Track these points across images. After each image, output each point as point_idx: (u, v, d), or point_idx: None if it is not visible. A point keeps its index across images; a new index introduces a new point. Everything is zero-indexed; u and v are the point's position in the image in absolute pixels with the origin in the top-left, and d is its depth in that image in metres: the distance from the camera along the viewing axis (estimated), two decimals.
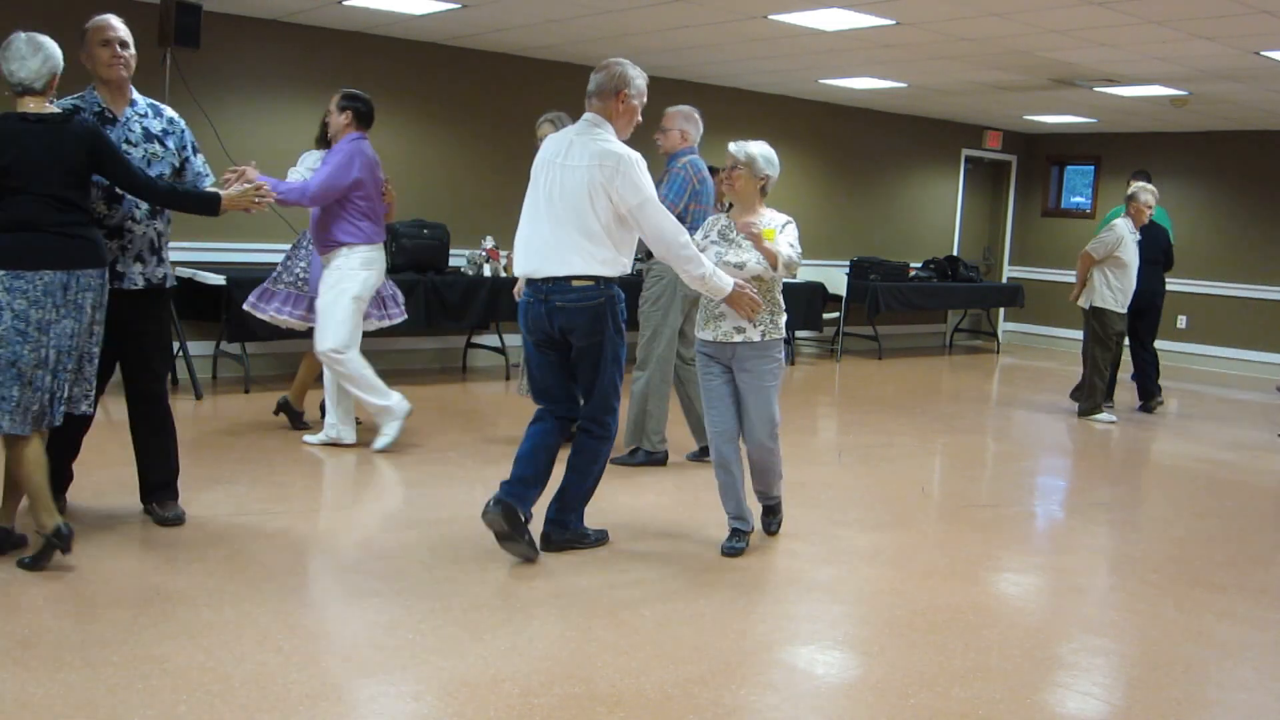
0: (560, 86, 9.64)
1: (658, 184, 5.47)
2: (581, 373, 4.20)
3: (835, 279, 10.98)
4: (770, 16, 7.14)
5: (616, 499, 4.98)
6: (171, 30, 6.46)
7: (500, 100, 9.14)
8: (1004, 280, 13.53)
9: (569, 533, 4.28)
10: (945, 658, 3.44)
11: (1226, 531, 5.31)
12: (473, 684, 3.06)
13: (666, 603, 3.82)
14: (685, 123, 5.75)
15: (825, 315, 10.59)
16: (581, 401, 4.26)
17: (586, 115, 4.19)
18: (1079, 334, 13.09)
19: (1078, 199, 13.53)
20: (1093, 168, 13.20)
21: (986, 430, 7.87)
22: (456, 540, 4.35)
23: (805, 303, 10.24)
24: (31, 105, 3.74)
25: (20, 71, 3.72)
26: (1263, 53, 7.41)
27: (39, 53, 3.73)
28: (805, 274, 11.09)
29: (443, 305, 8.05)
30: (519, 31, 8.15)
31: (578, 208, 4.04)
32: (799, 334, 10.94)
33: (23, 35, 3.76)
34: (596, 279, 4.06)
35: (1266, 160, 11.57)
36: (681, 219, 5.48)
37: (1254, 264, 11.72)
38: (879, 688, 3.22)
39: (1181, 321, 12.18)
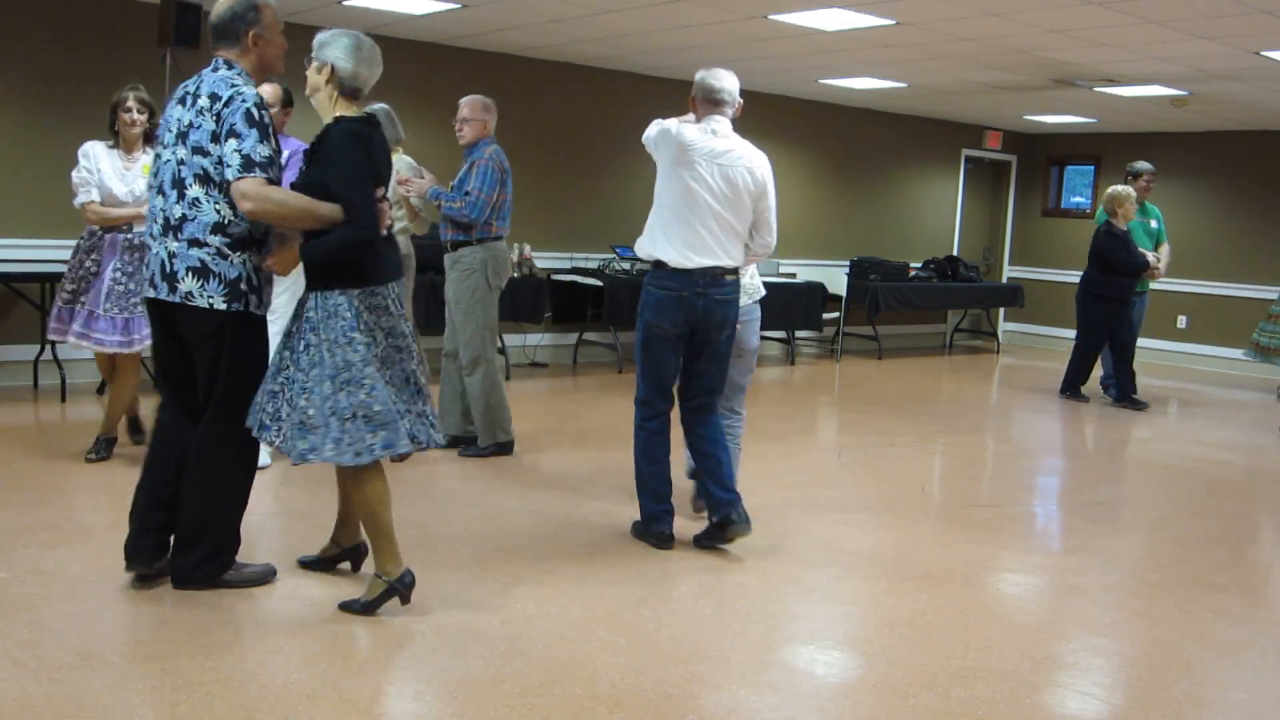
0: (560, 86, 9.66)
1: (464, 174, 5.65)
2: (714, 363, 4.40)
3: (835, 279, 10.98)
4: (770, 16, 7.14)
5: (617, 500, 4.98)
6: (171, 30, 6.46)
7: (500, 100, 9.11)
8: (1004, 280, 13.53)
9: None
10: (945, 658, 3.44)
11: (1226, 531, 5.31)
12: (473, 684, 3.06)
13: (666, 603, 3.81)
14: (485, 113, 5.78)
15: (825, 315, 10.58)
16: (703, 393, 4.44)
17: (717, 116, 4.32)
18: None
19: (1078, 199, 13.53)
20: (1093, 168, 13.20)
21: (986, 430, 7.87)
22: (456, 540, 4.35)
23: (805, 303, 10.24)
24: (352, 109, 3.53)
25: (373, 79, 3.57)
26: (1263, 53, 7.41)
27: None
28: (805, 274, 11.11)
29: (443, 305, 8.02)
30: (519, 31, 8.15)
31: (739, 204, 4.29)
32: (799, 334, 10.94)
33: (367, 37, 3.58)
34: (737, 273, 4.41)
35: (1266, 160, 11.57)
36: (493, 210, 5.65)
37: (1254, 264, 11.72)
38: (879, 688, 3.22)
39: (1181, 321, 12.18)
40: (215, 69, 3.55)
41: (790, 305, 10.13)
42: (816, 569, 4.31)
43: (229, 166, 3.39)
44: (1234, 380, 10.83)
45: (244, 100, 3.44)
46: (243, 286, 3.50)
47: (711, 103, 4.31)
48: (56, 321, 5.21)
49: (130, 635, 3.28)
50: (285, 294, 4.76)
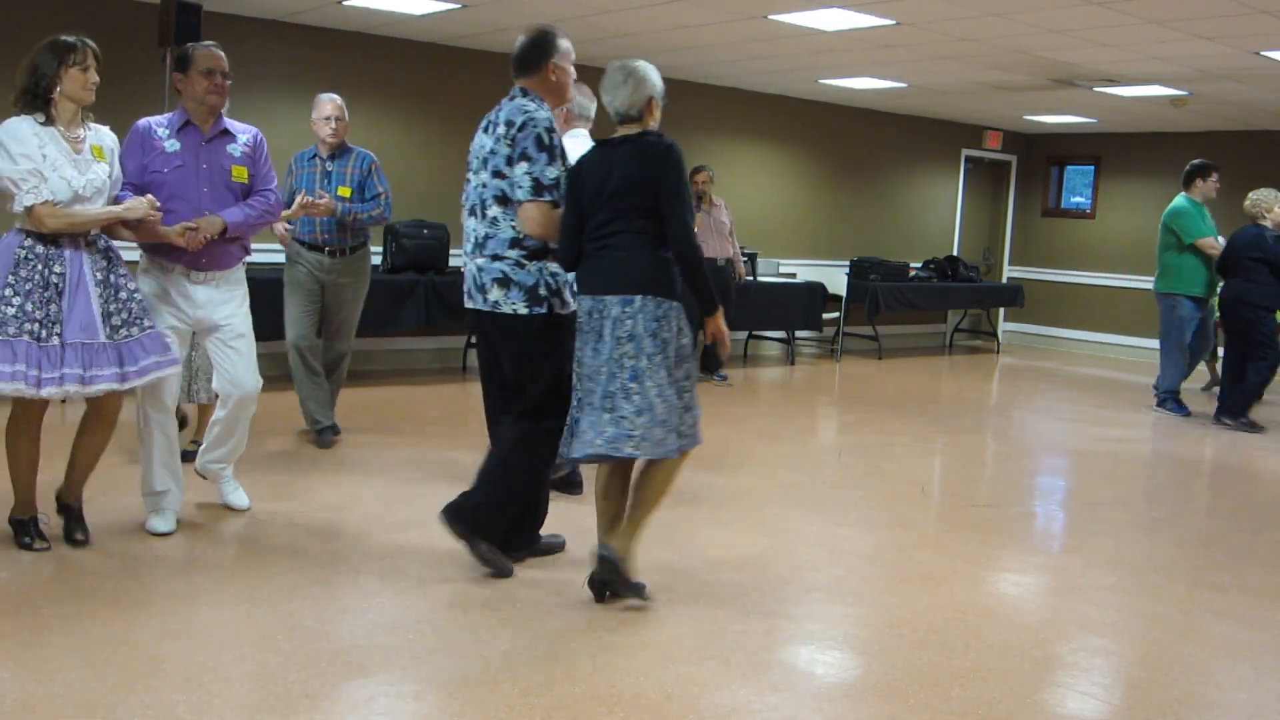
0: None
1: (362, 178, 5.78)
2: None
3: (835, 279, 10.98)
4: (770, 16, 7.14)
5: None
6: (171, 30, 6.45)
7: (500, 100, 9.12)
8: (1004, 280, 13.54)
9: None
10: (945, 658, 3.44)
11: (1226, 531, 5.31)
12: (473, 684, 3.06)
13: (666, 603, 3.81)
14: (347, 113, 5.88)
15: (825, 315, 10.58)
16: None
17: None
18: (1079, 334, 13.27)
19: (1078, 199, 13.54)
20: (1093, 168, 13.21)
21: (986, 430, 7.87)
22: (456, 541, 4.35)
23: (805, 303, 10.24)
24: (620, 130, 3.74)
25: (612, 102, 3.73)
26: (1263, 53, 7.42)
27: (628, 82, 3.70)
28: (805, 274, 11.11)
29: (443, 305, 8.05)
30: (519, 31, 8.11)
31: None
32: (799, 334, 10.94)
33: (616, 63, 3.76)
34: None
35: (1266, 160, 11.56)
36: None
37: None
38: (879, 688, 3.21)
39: None
40: (513, 97, 3.90)
41: (790, 305, 10.13)
42: (816, 569, 4.31)
43: (520, 188, 3.74)
44: None
45: (535, 125, 3.76)
46: (541, 292, 3.82)
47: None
48: (17, 363, 3.65)
49: (130, 635, 3.28)
50: (230, 304, 4.28)
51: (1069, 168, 13.57)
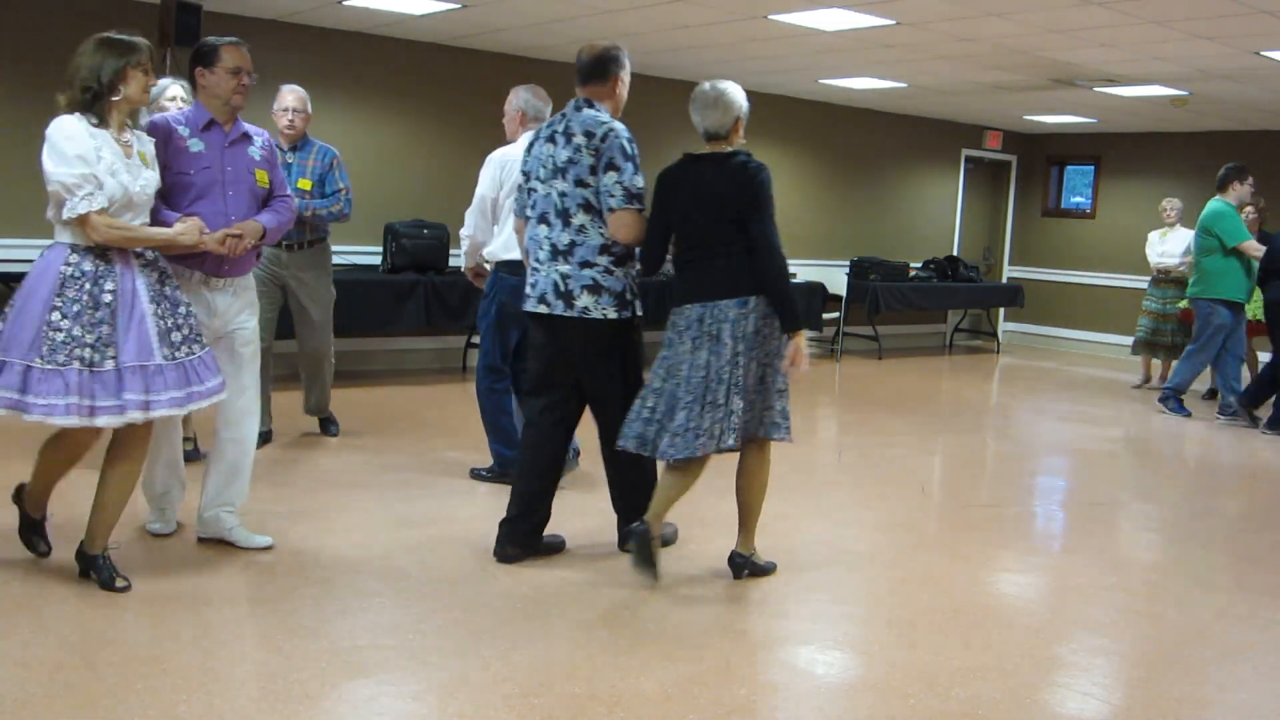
0: (560, 87, 9.64)
1: (323, 172, 5.70)
2: None
3: (835, 279, 10.98)
4: (770, 16, 7.14)
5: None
6: (171, 30, 6.46)
7: (500, 100, 9.11)
8: (1004, 280, 13.54)
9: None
10: (945, 658, 3.44)
11: (1226, 531, 5.31)
12: (473, 684, 3.06)
13: (666, 603, 3.81)
14: (308, 105, 5.77)
15: (825, 315, 10.58)
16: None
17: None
18: (1079, 334, 13.27)
19: (1078, 199, 13.53)
20: (1093, 168, 13.21)
21: (986, 430, 7.87)
22: (456, 541, 4.35)
23: (805, 302, 10.23)
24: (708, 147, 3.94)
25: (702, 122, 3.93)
26: (1263, 53, 7.41)
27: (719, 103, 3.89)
28: (805, 273, 11.11)
29: (443, 305, 8.05)
30: (519, 31, 8.15)
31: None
32: None
33: (701, 89, 3.93)
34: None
35: (1266, 160, 11.56)
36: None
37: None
38: (879, 688, 3.21)
39: None
40: (579, 108, 4.00)
41: None
42: (816, 569, 4.31)
43: (612, 196, 3.88)
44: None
45: (617, 136, 3.91)
46: (627, 296, 3.99)
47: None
48: (69, 394, 3.38)
49: (130, 635, 3.28)
50: (245, 311, 4.11)
51: (1069, 168, 13.57)
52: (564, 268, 3.95)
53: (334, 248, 6.15)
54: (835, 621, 3.79)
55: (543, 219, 4.01)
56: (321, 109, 5.91)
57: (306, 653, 3.21)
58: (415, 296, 7.93)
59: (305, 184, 5.61)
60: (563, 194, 3.95)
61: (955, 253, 12.95)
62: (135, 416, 3.45)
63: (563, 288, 3.95)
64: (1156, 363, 9.55)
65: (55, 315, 3.40)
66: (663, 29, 7.69)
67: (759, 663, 3.35)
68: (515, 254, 4.60)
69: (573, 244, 3.94)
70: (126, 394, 3.43)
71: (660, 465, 4.03)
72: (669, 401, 3.87)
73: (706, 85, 3.89)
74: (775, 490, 5.43)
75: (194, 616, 3.44)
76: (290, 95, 5.65)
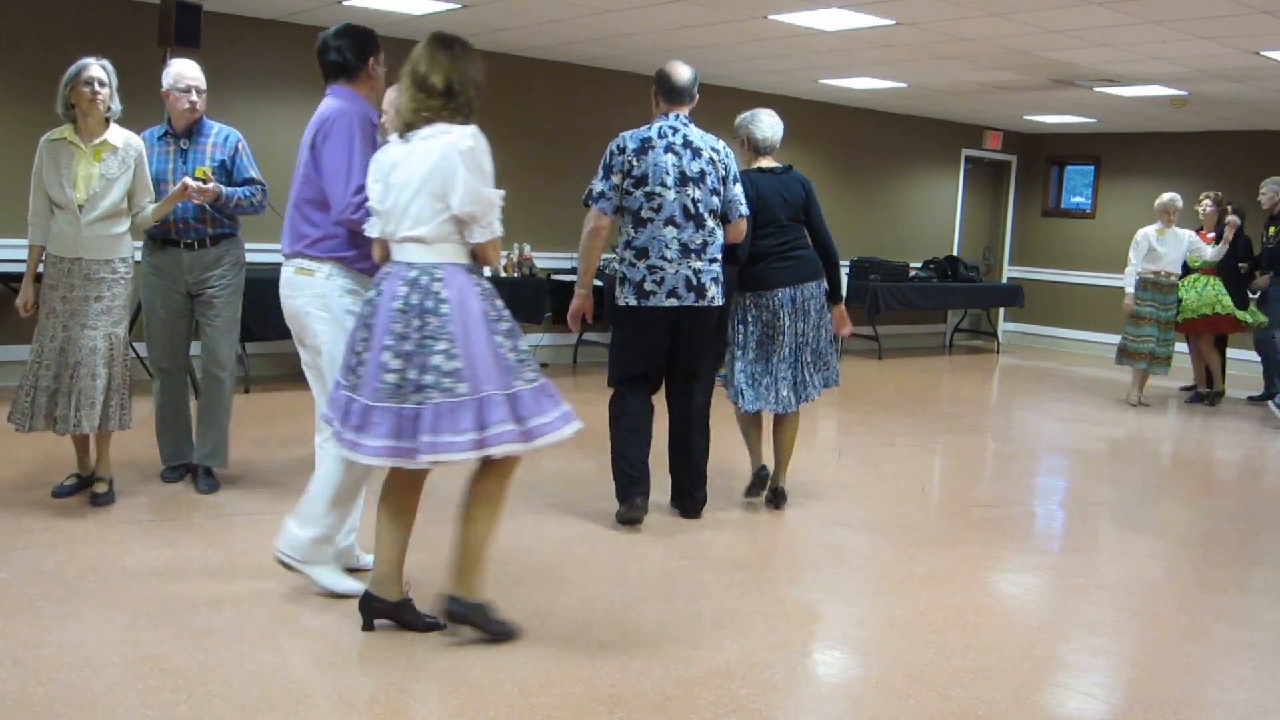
0: (559, 86, 9.66)
1: (226, 158, 5.20)
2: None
3: None
4: (770, 16, 7.14)
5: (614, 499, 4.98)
6: (171, 30, 6.45)
7: (499, 100, 9.15)
8: (1004, 280, 13.54)
9: None
10: (945, 658, 3.44)
11: (1226, 531, 5.31)
12: (473, 684, 3.06)
13: (666, 603, 3.81)
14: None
15: None
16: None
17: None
18: (1079, 334, 13.26)
19: (1078, 199, 13.54)
20: (1093, 168, 13.21)
21: (986, 430, 7.87)
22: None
23: None
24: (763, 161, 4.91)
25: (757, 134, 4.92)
26: (1263, 53, 7.41)
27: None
28: None
29: None
30: (519, 31, 8.15)
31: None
32: None
33: (763, 112, 4.92)
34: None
35: (1266, 160, 11.56)
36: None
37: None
38: (879, 688, 3.22)
39: None
40: (688, 124, 4.55)
41: None
42: (816, 569, 4.31)
43: (742, 205, 4.60)
44: (1237, 380, 10.82)
45: (729, 154, 4.62)
46: (723, 284, 4.62)
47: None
48: (350, 427, 3.18)
49: (130, 635, 3.28)
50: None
51: (1069, 168, 13.57)
52: (697, 264, 4.47)
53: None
54: (835, 621, 3.80)
55: (669, 221, 4.44)
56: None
57: (306, 653, 3.21)
58: None
59: (202, 172, 4.71)
60: (695, 200, 4.46)
61: (955, 253, 12.95)
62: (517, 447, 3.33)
63: (695, 281, 4.47)
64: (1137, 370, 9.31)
65: (499, 338, 3.14)
66: (663, 29, 7.69)
67: (759, 662, 3.36)
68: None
69: (705, 244, 4.49)
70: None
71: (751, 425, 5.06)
72: (772, 370, 4.81)
73: (765, 111, 4.89)
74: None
75: (193, 616, 3.44)
76: (190, 67, 4.79)
